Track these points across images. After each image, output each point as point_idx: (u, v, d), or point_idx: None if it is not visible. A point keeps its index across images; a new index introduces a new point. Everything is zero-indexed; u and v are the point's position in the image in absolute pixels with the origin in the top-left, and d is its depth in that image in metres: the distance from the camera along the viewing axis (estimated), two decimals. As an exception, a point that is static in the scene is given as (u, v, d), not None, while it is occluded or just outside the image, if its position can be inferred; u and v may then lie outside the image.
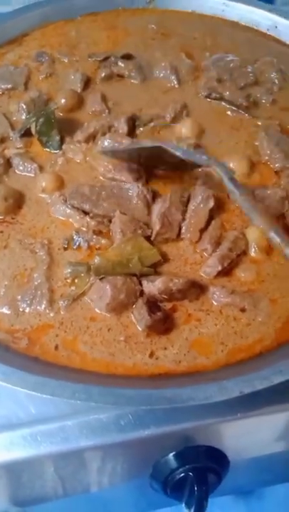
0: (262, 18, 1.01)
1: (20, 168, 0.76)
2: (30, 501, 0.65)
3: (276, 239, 0.63)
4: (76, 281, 0.63)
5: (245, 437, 0.64)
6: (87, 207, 0.69)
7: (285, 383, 0.54)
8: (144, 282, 0.62)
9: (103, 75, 0.89)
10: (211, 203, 0.69)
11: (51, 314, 0.61)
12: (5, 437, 0.57)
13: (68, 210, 0.69)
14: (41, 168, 0.76)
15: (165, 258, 0.66)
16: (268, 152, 0.77)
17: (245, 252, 0.67)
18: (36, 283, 0.63)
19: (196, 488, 0.60)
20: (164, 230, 0.67)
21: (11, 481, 0.61)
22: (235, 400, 0.53)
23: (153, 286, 0.61)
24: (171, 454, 0.61)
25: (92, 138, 0.79)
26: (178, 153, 0.68)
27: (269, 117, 0.84)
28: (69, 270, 0.64)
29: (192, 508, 0.61)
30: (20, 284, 0.64)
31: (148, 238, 0.67)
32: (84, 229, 0.68)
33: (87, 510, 0.76)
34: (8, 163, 0.76)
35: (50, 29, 0.99)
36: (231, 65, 0.91)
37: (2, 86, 0.87)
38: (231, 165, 0.75)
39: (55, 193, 0.72)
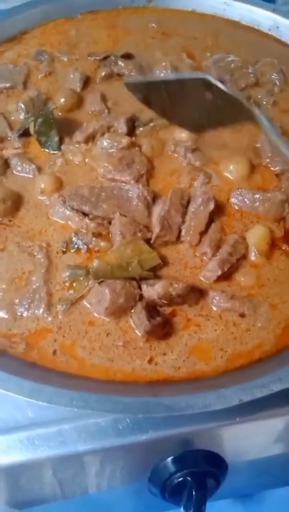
0: (263, 18, 1.00)
1: (19, 168, 0.75)
2: (28, 504, 0.65)
3: None
4: (74, 284, 0.63)
5: (243, 441, 0.64)
6: (86, 208, 0.68)
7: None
8: (144, 286, 0.61)
9: (103, 74, 0.88)
10: (212, 206, 0.68)
11: (49, 318, 0.61)
12: (2, 441, 0.57)
13: (67, 212, 0.69)
14: (40, 169, 0.75)
15: (165, 261, 0.65)
16: (269, 155, 0.76)
17: (245, 256, 0.66)
18: (34, 286, 0.63)
19: (194, 493, 0.60)
20: (164, 232, 0.67)
21: (8, 484, 0.60)
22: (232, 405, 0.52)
23: (152, 291, 0.60)
24: (170, 459, 0.61)
25: (91, 138, 0.79)
26: (222, 87, 0.61)
27: (270, 119, 0.83)
28: (67, 273, 0.64)
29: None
30: (18, 287, 0.64)
31: (148, 241, 0.66)
32: (83, 231, 0.68)
33: (85, 514, 0.76)
34: (6, 164, 0.75)
35: (49, 27, 0.99)
36: (232, 65, 0.91)
37: (0, 85, 0.86)
38: (231, 167, 0.75)
39: (54, 194, 0.71)
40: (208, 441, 0.61)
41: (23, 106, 0.82)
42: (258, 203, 0.70)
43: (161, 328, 0.59)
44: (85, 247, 0.66)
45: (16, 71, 0.89)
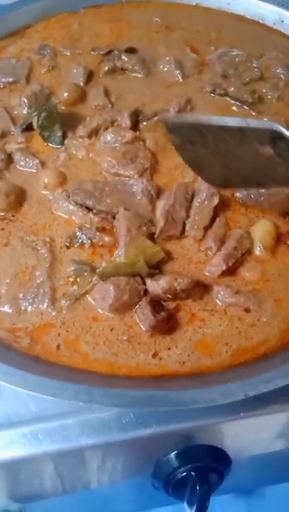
0: (268, 12, 0.99)
1: (22, 163, 0.75)
2: (31, 498, 0.65)
3: None
4: (78, 280, 0.63)
5: (247, 436, 0.64)
6: (90, 203, 0.68)
7: (287, 383, 0.53)
8: (148, 281, 0.61)
9: (106, 68, 0.88)
10: (216, 200, 0.68)
11: (53, 313, 0.61)
12: (5, 435, 0.56)
13: (71, 207, 0.69)
14: (43, 164, 0.75)
15: (169, 256, 0.65)
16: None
17: (250, 251, 0.66)
18: (38, 281, 0.63)
19: (197, 488, 0.60)
20: (168, 227, 0.66)
21: (11, 478, 0.61)
22: (237, 400, 0.52)
23: (157, 286, 0.60)
24: (173, 453, 0.61)
25: (94, 133, 0.78)
26: None
27: (275, 113, 0.82)
28: (72, 268, 0.63)
29: (194, 507, 0.60)
30: (22, 282, 0.63)
31: (152, 235, 0.66)
32: (87, 225, 0.68)
33: (88, 508, 0.76)
34: (9, 159, 0.75)
35: (52, 21, 0.98)
36: (236, 59, 0.90)
37: (3, 79, 0.86)
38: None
39: (57, 189, 0.71)
40: (212, 436, 0.61)
41: (26, 100, 0.81)
42: (262, 198, 0.70)
43: (166, 322, 0.59)
44: (89, 241, 0.66)
45: (19, 65, 0.88)
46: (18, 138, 0.78)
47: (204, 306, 0.62)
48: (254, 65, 0.90)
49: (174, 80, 0.88)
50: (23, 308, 0.61)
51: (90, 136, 0.78)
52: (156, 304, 0.59)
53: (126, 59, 0.89)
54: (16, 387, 0.53)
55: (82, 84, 0.85)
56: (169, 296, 0.60)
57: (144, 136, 0.78)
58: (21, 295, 0.62)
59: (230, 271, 0.64)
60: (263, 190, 0.70)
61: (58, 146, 0.77)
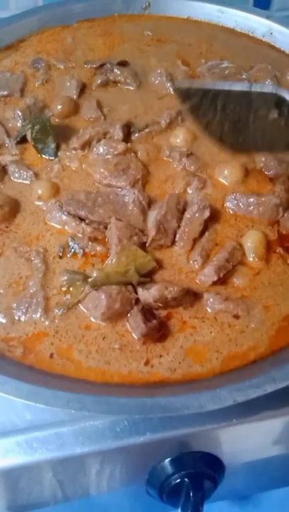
0: (258, 25, 1.01)
1: (16, 175, 0.76)
2: (26, 507, 0.65)
3: None
4: (71, 289, 0.63)
5: (240, 443, 0.64)
6: (83, 213, 0.69)
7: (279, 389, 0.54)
8: (140, 290, 0.62)
9: (99, 81, 0.90)
10: (207, 213, 0.69)
11: (46, 322, 0.62)
12: (0, 444, 0.57)
13: (64, 217, 0.70)
14: (37, 176, 0.76)
15: (160, 265, 0.66)
16: (263, 159, 0.77)
17: (242, 262, 0.67)
18: (32, 291, 0.63)
19: (191, 494, 0.61)
20: (159, 236, 0.67)
21: (6, 487, 0.61)
22: (230, 406, 0.53)
23: (148, 294, 0.61)
24: (167, 460, 0.61)
25: (87, 144, 0.80)
26: None
27: None
28: (65, 278, 0.64)
29: (188, 513, 0.61)
30: (15, 292, 0.64)
31: (143, 245, 0.67)
32: (80, 235, 0.69)
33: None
34: (3, 171, 0.76)
35: (46, 35, 1.00)
36: (226, 71, 0.91)
37: (-2, 93, 0.87)
38: (226, 172, 0.76)
39: (50, 200, 0.72)
40: (205, 443, 0.62)
41: (20, 113, 0.83)
42: (252, 207, 0.71)
43: (157, 330, 0.60)
44: (82, 251, 0.67)
45: (13, 79, 0.90)
46: (12, 150, 0.79)
47: (195, 314, 0.63)
48: (243, 76, 0.91)
49: (165, 91, 0.89)
50: (16, 318, 0.62)
51: (83, 147, 0.79)
52: (148, 313, 0.60)
53: (118, 72, 0.90)
54: (10, 396, 0.53)
55: (75, 97, 0.87)
56: (160, 305, 0.61)
57: (135, 147, 0.79)
58: (15, 305, 0.63)
59: (222, 281, 0.65)
60: (252, 200, 0.71)
61: (51, 158, 0.78)
